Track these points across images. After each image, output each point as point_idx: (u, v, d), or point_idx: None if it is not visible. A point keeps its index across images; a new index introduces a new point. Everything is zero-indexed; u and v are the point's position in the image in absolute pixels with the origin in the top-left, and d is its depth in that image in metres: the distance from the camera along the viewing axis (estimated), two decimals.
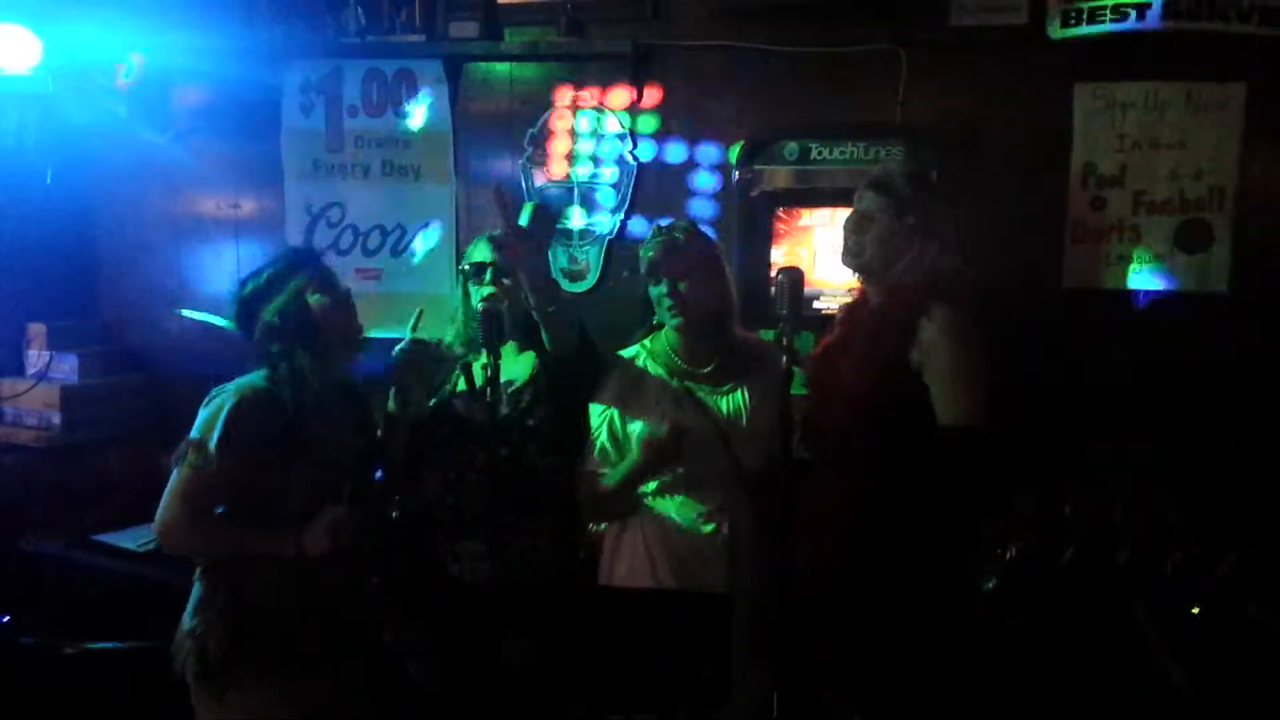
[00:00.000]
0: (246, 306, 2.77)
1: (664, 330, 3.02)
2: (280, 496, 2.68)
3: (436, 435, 3.01)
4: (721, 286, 2.98)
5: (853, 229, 2.81)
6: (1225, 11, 3.52)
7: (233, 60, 4.48)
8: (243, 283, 2.81)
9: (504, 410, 2.92)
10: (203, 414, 2.68)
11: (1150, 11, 3.58)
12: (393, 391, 2.96)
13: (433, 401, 3.03)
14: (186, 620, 2.72)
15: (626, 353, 3.05)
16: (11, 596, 3.83)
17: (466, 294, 3.06)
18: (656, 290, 2.94)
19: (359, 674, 2.88)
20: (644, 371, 2.99)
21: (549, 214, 3.34)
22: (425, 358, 2.96)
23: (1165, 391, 3.64)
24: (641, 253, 3.00)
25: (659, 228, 3.03)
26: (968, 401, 2.60)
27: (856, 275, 2.89)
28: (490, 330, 2.78)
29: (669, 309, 2.92)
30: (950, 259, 2.74)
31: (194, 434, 2.66)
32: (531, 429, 2.95)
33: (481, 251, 3.04)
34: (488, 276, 2.99)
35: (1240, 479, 3.51)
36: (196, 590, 2.73)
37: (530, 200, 3.23)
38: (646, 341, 3.05)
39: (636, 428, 2.91)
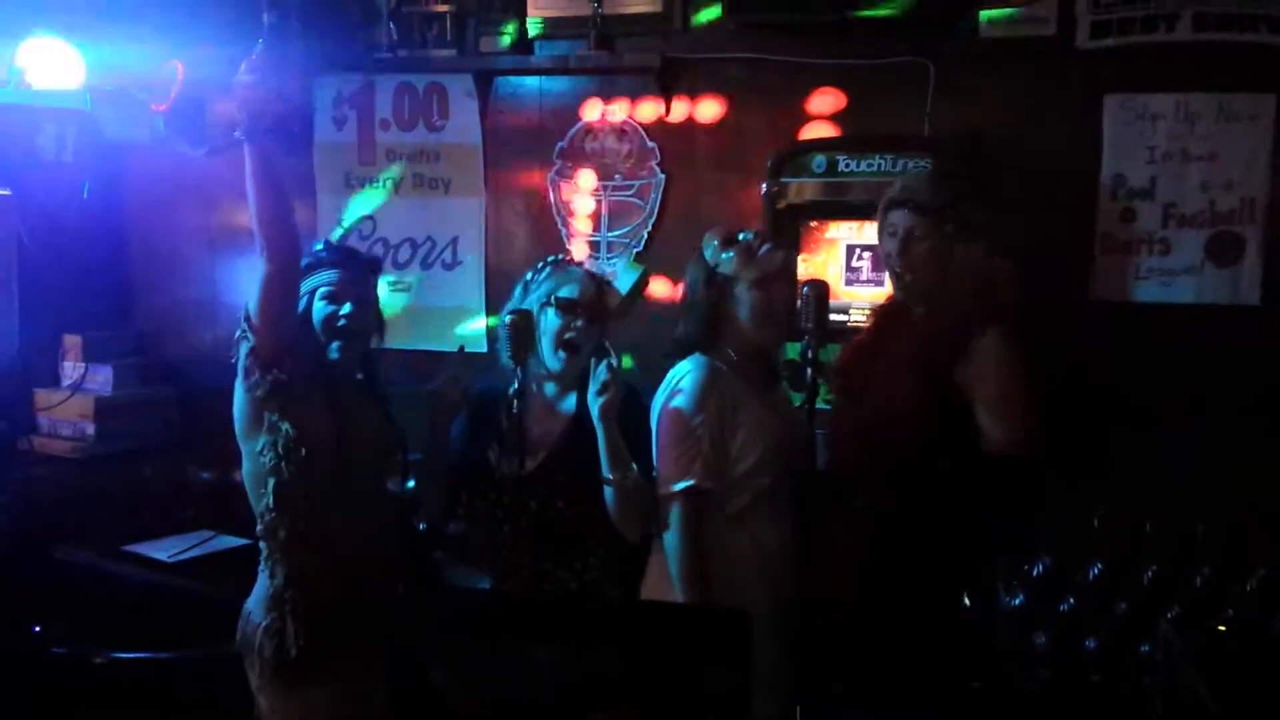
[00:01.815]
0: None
1: (727, 342, 2.90)
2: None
3: (475, 486, 2.99)
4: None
5: (898, 253, 2.79)
6: (1255, 23, 3.51)
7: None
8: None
9: (531, 465, 2.88)
10: None
11: (1180, 22, 3.57)
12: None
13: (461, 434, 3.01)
14: (258, 614, 2.71)
15: (693, 363, 2.89)
16: (43, 606, 3.87)
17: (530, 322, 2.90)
18: (758, 295, 2.83)
19: (386, 675, 2.89)
20: (734, 381, 2.87)
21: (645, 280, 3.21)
22: (458, 396, 2.94)
23: (1195, 405, 3.61)
24: (745, 259, 2.85)
25: (754, 234, 2.92)
26: (1021, 429, 2.60)
27: (903, 295, 2.87)
28: (517, 344, 2.76)
29: (773, 318, 2.85)
30: (990, 260, 2.74)
31: None
32: (560, 485, 2.91)
33: (572, 289, 2.96)
34: (579, 321, 2.93)
35: (1270, 493, 3.47)
36: (263, 585, 2.72)
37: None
38: (711, 351, 2.91)
39: (739, 437, 2.84)
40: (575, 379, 2.97)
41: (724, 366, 2.88)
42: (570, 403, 2.99)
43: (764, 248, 2.88)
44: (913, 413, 2.65)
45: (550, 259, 3.10)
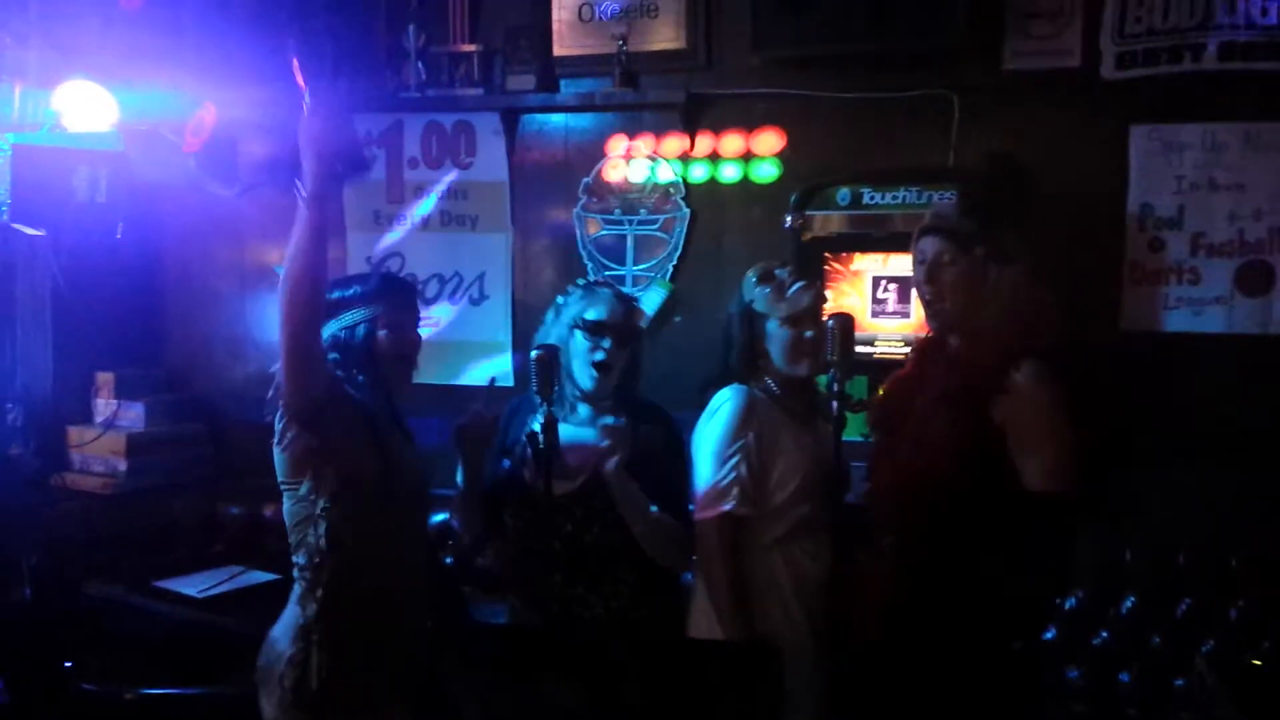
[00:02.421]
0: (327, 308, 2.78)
1: (764, 374, 2.92)
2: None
3: (504, 505, 2.98)
4: None
5: (925, 280, 2.75)
6: None
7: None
8: (333, 284, 2.82)
9: (569, 488, 2.87)
10: None
11: (1205, 52, 3.56)
12: (459, 466, 2.93)
13: (506, 463, 3.00)
14: (283, 643, 2.69)
15: (732, 391, 2.91)
16: (74, 642, 3.88)
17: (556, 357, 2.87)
18: (791, 333, 2.86)
19: (413, 708, 2.87)
20: (772, 410, 2.90)
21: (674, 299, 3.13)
22: (486, 430, 2.93)
23: (1227, 436, 3.57)
24: (778, 295, 2.88)
25: (789, 271, 2.95)
26: (1058, 465, 2.54)
27: (936, 324, 2.83)
28: (543, 380, 2.75)
29: (806, 356, 2.85)
30: (1029, 286, 2.69)
31: None
32: (597, 510, 2.89)
33: (600, 310, 2.95)
34: (607, 342, 2.91)
35: None
36: (292, 615, 2.70)
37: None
38: (750, 382, 2.94)
39: (778, 466, 2.85)
40: (610, 402, 2.97)
41: (763, 395, 2.91)
42: None
43: (794, 286, 2.89)
44: (950, 450, 2.61)
45: (580, 281, 3.11)
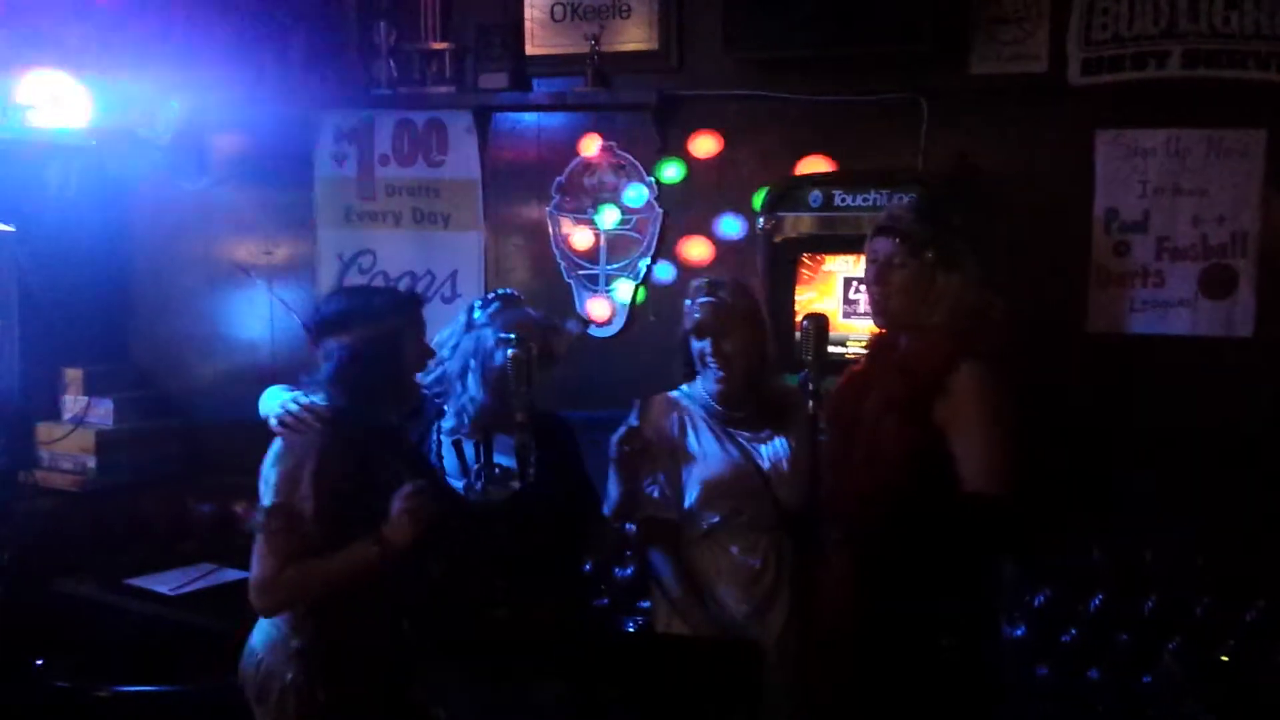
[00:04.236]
0: (336, 319, 2.73)
1: (701, 380, 2.99)
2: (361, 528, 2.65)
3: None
4: (762, 341, 2.96)
5: (875, 280, 2.75)
6: (1244, 59, 3.56)
7: (268, 111, 4.58)
8: (339, 295, 2.87)
9: (500, 493, 2.82)
10: (276, 471, 2.64)
11: (1170, 59, 3.62)
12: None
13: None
14: (269, 659, 2.68)
15: (657, 397, 3.01)
16: (45, 640, 3.86)
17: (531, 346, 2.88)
18: (699, 345, 2.91)
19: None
20: (691, 413, 2.98)
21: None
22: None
23: (1191, 436, 3.63)
24: (687, 309, 2.95)
25: (705, 284, 2.96)
26: (994, 467, 2.54)
27: (882, 323, 2.84)
28: (522, 378, 2.77)
29: (713, 367, 2.90)
30: (976, 290, 2.69)
31: (275, 496, 2.60)
32: (536, 517, 2.87)
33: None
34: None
35: (1269, 523, 3.50)
36: (282, 634, 2.68)
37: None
38: (685, 387, 3.03)
39: (692, 470, 2.91)
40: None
41: (687, 401, 2.98)
42: None
43: (700, 299, 2.93)
44: (893, 450, 2.62)
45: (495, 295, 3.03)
